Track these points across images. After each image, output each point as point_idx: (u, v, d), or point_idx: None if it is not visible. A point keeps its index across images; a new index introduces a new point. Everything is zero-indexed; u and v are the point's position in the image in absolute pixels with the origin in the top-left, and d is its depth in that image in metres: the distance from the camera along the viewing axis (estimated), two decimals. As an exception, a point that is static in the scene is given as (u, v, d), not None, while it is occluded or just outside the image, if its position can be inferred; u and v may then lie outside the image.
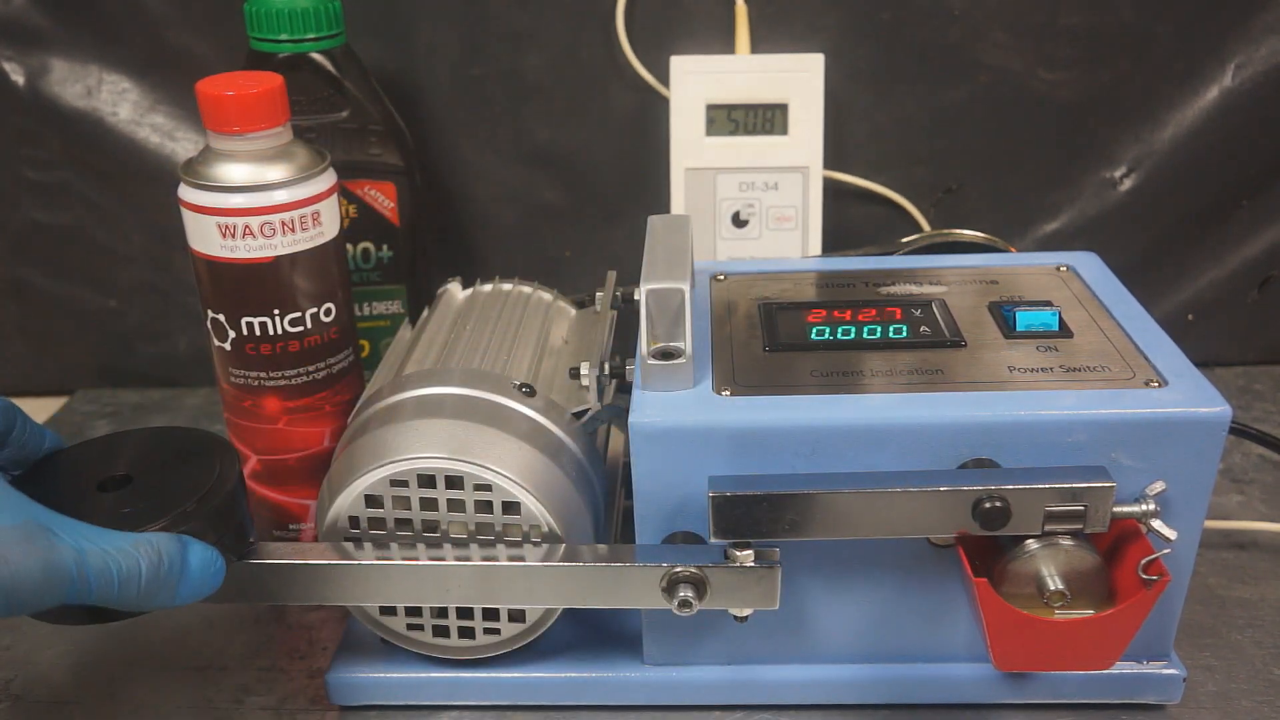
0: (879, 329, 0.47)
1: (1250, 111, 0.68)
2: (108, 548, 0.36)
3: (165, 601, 0.38)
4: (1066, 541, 0.40)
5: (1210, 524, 0.54)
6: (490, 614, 0.45)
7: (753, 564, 0.41)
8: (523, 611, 0.45)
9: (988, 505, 0.39)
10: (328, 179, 0.50)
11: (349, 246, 0.62)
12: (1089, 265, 0.53)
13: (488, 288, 0.57)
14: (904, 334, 0.47)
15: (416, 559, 0.42)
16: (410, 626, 0.46)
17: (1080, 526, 0.39)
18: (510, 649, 0.46)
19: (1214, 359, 0.75)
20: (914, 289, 0.51)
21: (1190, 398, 0.41)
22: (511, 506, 0.43)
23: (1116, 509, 0.40)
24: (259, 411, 0.52)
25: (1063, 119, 0.69)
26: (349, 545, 0.44)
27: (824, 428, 0.41)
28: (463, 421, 0.44)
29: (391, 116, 0.62)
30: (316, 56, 0.59)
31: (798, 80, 0.65)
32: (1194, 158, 0.69)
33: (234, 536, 0.42)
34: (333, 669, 0.48)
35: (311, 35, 0.57)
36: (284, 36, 0.57)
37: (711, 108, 0.65)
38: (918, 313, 0.48)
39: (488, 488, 0.43)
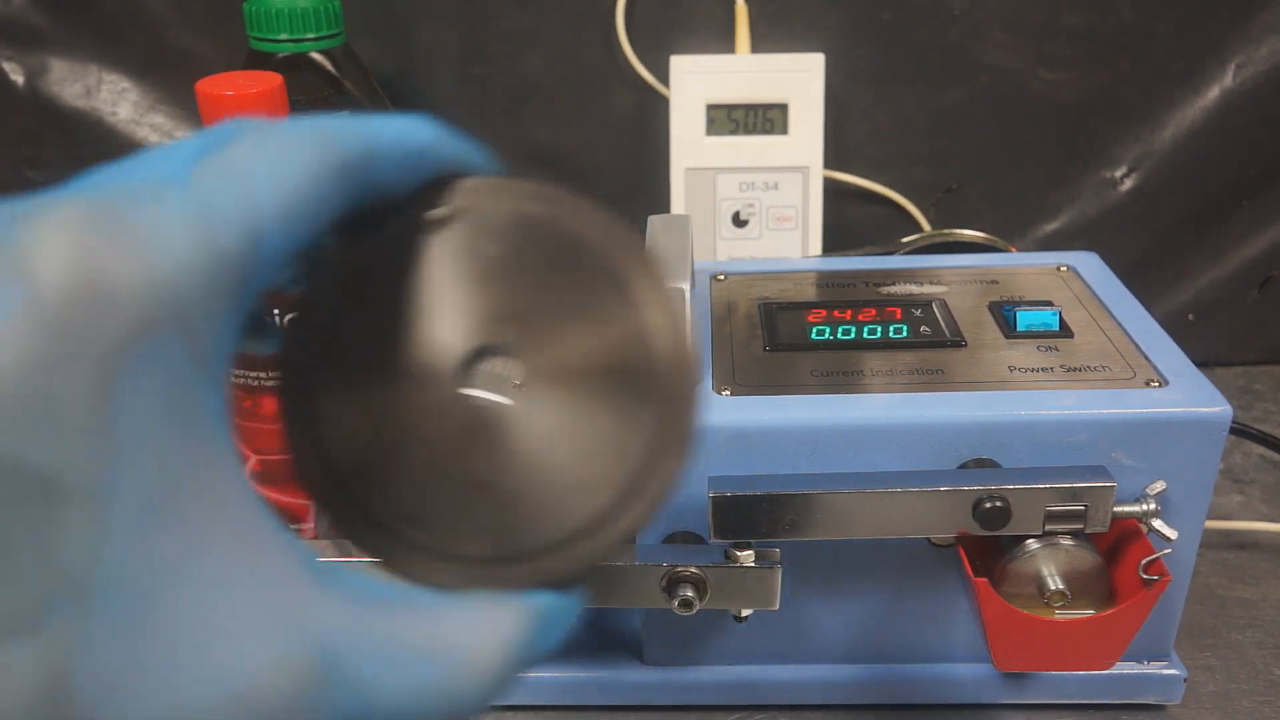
0: (879, 329, 0.47)
1: (1250, 111, 0.68)
2: (440, 701, 0.20)
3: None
4: (1067, 541, 0.40)
5: (1211, 524, 0.54)
6: (490, 614, 0.45)
7: (753, 564, 0.41)
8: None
9: (988, 505, 0.39)
10: (328, 179, 0.50)
11: (349, 246, 0.62)
12: (1089, 265, 0.53)
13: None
14: (904, 334, 0.47)
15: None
16: (410, 626, 0.46)
17: (1081, 526, 0.39)
18: (510, 649, 0.46)
19: (1214, 359, 0.75)
20: (914, 289, 0.51)
21: (1191, 397, 0.41)
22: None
23: (1117, 509, 0.40)
24: (259, 411, 0.52)
25: (1063, 119, 0.69)
26: (348, 543, 0.43)
27: (824, 428, 0.41)
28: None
29: (391, 116, 0.62)
30: (316, 56, 0.59)
31: (798, 80, 0.65)
32: (1194, 158, 0.69)
33: None
34: (333, 669, 0.48)
35: (311, 35, 0.57)
36: (284, 36, 0.57)
37: (711, 107, 0.65)
38: (918, 313, 0.48)
39: (488, 487, 0.42)
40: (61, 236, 0.17)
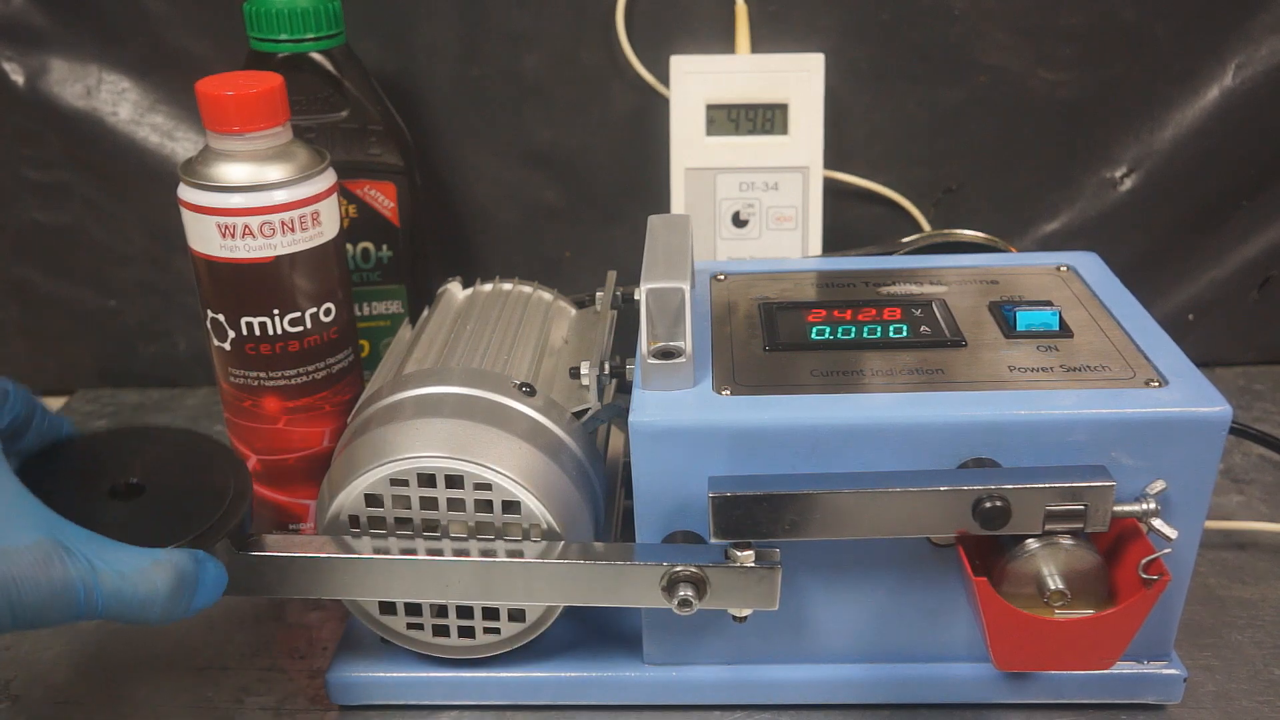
0: (879, 329, 0.47)
1: (1250, 111, 0.68)
2: (125, 570, 0.36)
3: (176, 617, 0.38)
4: (1067, 541, 0.40)
5: (1210, 524, 0.54)
6: (490, 613, 0.45)
7: (753, 564, 0.41)
8: (523, 611, 0.45)
9: (988, 505, 0.39)
10: (327, 179, 0.50)
11: (349, 246, 0.62)
12: (1089, 265, 0.53)
13: (488, 287, 0.57)
14: (904, 334, 0.47)
15: (414, 553, 0.42)
16: (410, 625, 0.46)
17: (1080, 526, 0.39)
18: (510, 648, 0.46)
19: (1214, 359, 0.75)
20: (914, 289, 0.51)
21: (1191, 397, 0.41)
22: (511, 505, 0.43)
23: (1117, 508, 0.40)
24: (259, 411, 0.52)
25: (1063, 119, 0.69)
26: (348, 539, 0.44)
27: (824, 427, 0.41)
28: (463, 421, 0.44)
29: (391, 116, 0.62)
30: (316, 56, 0.59)
31: (798, 80, 0.65)
32: (1194, 158, 0.69)
33: (238, 539, 0.43)
34: (333, 669, 0.48)
35: (311, 35, 0.57)
36: (284, 36, 0.57)
37: (711, 108, 0.65)
38: (918, 312, 0.48)
39: (488, 487, 0.43)
40: None
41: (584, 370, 0.47)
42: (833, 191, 0.70)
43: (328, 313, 0.51)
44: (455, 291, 0.58)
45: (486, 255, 0.75)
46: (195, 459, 0.45)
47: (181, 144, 0.70)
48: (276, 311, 0.50)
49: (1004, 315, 0.48)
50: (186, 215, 0.49)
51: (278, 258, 0.49)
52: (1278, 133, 0.68)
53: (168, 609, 0.38)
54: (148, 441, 0.46)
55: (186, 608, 0.39)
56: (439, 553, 0.43)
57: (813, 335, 0.47)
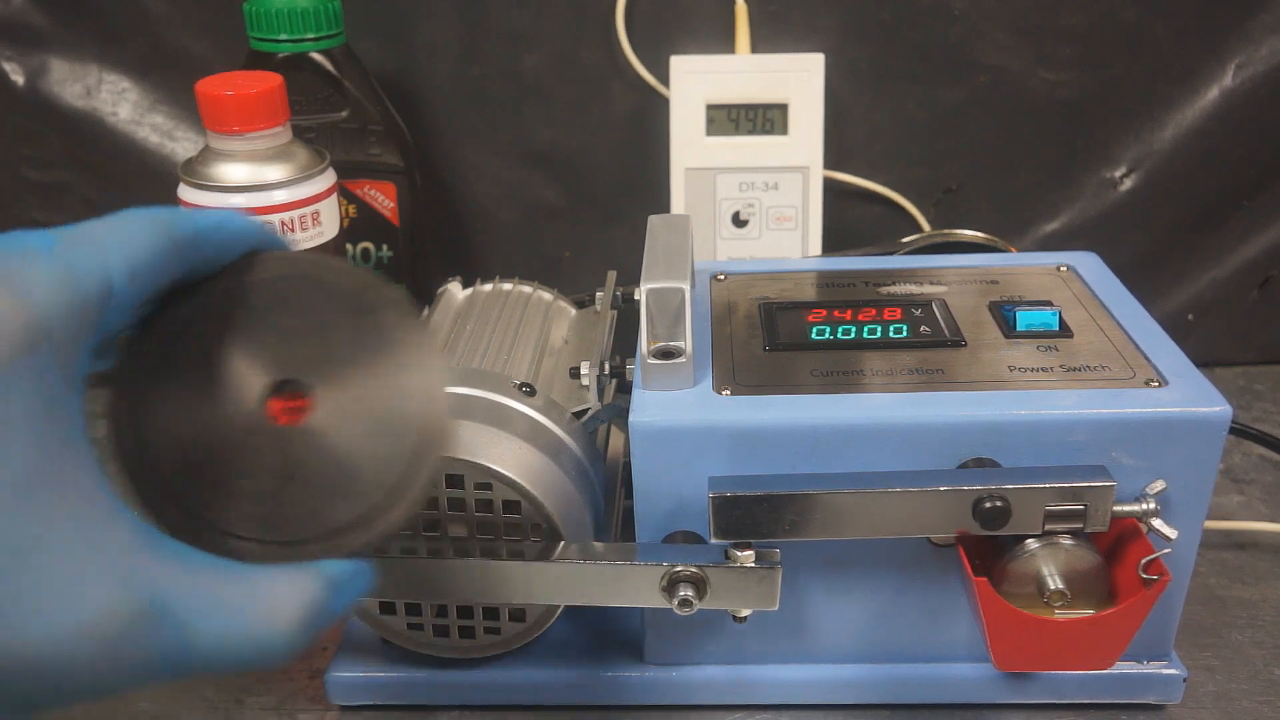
0: (879, 329, 0.47)
1: (1250, 111, 0.68)
2: (231, 631, 0.26)
3: (291, 660, 0.29)
4: (1067, 541, 0.40)
5: (1210, 524, 0.54)
6: (490, 613, 0.45)
7: (753, 564, 0.41)
8: (523, 611, 0.45)
9: (988, 505, 0.39)
10: (327, 179, 0.50)
11: (349, 246, 0.62)
12: (1089, 265, 0.53)
13: (488, 287, 0.57)
14: (904, 334, 0.47)
15: (415, 554, 0.42)
16: (410, 626, 0.46)
17: (1080, 526, 0.39)
18: (510, 648, 0.46)
19: (1214, 359, 0.75)
20: (914, 289, 0.51)
21: (1191, 397, 0.41)
22: (512, 505, 0.43)
23: (1117, 508, 0.40)
24: (259, 411, 0.52)
25: (1063, 119, 0.69)
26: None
27: (824, 427, 0.41)
28: (463, 420, 0.44)
29: (391, 116, 0.62)
30: (316, 56, 0.59)
31: (798, 80, 0.65)
32: (1194, 158, 0.69)
33: None
34: (332, 669, 0.48)
35: (311, 35, 0.58)
36: (284, 36, 0.57)
37: (711, 108, 0.65)
38: (918, 312, 0.48)
39: (488, 486, 0.43)
40: None
41: (584, 370, 0.47)
42: (833, 191, 0.70)
43: (328, 313, 0.51)
44: (455, 291, 0.58)
45: (486, 255, 0.75)
46: (387, 355, 0.30)
47: (181, 144, 0.70)
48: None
49: (1004, 315, 0.48)
50: (186, 215, 0.49)
51: (278, 258, 0.49)
52: (1278, 133, 0.68)
53: (282, 661, 0.27)
54: (329, 301, 0.30)
55: (307, 646, 0.27)
56: (439, 553, 0.43)
57: (813, 335, 0.47)
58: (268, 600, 0.26)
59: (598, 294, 0.55)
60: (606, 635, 0.49)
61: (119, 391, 0.29)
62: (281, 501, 0.29)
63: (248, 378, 0.29)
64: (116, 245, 0.27)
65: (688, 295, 0.42)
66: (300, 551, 0.28)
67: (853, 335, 0.47)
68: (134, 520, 0.25)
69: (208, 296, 0.30)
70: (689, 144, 0.66)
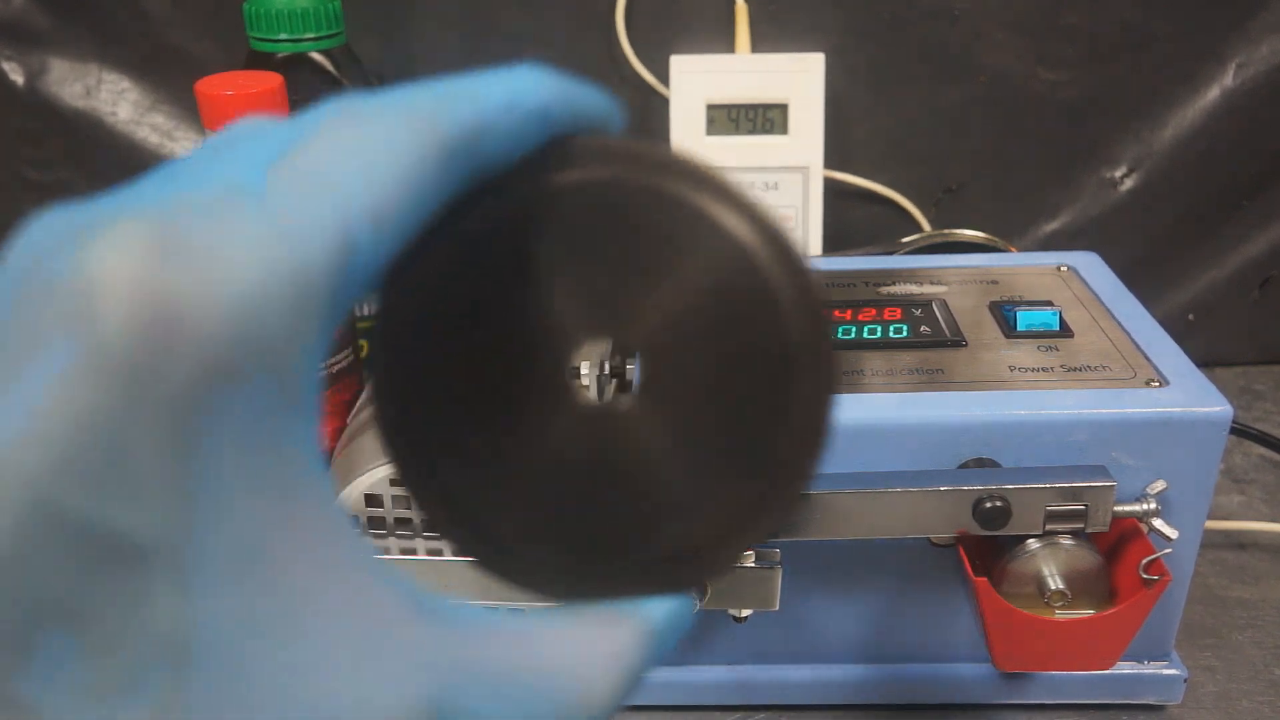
0: (879, 329, 0.47)
1: (1250, 111, 0.68)
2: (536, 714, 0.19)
3: None
4: (1067, 541, 0.40)
5: (1211, 524, 0.54)
6: (490, 614, 0.45)
7: (753, 564, 0.41)
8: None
9: (988, 505, 0.39)
10: (328, 179, 0.50)
11: (349, 246, 0.62)
12: (1089, 265, 0.53)
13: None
14: (904, 334, 0.47)
15: (415, 553, 0.42)
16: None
17: (1081, 526, 0.39)
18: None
19: (1214, 359, 0.75)
20: (914, 289, 0.51)
21: (1191, 397, 0.41)
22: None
23: (1117, 508, 0.40)
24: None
25: (1063, 119, 0.69)
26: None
27: (824, 427, 0.41)
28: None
29: (391, 116, 0.62)
30: (316, 56, 0.59)
31: (798, 80, 0.65)
32: (1194, 158, 0.69)
33: None
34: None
35: (311, 35, 0.57)
36: (284, 36, 0.57)
37: (711, 107, 0.65)
38: (918, 312, 0.48)
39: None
40: (124, 265, 0.15)
41: (584, 370, 0.47)
42: (833, 191, 0.70)
43: (328, 313, 0.51)
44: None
45: (486, 255, 0.75)
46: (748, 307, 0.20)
47: (181, 144, 0.70)
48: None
49: (1004, 315, 0.47)
50: (186, 215, 0.49)
51: (278, 258, 0.49)
52: (1278, 133, 0.68)
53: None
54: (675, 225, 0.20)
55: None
56: (439, 553, 0.43)
57: (813, 335, 0.47)
58: (577, 667, 0.19)
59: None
60: (606, 635, 0.49)
61: (387, 408, 0.20)
62: (598, 514, 0.21)
63: (559, 347, 0.20)
64: (357, 178, 0.17)
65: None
66: (620, 586, 0.20)
67: (853, 335, 0.47)
68: (395, 578, 0.18)
69: (494, 223, 0.20)
70: (689, 144, 0.66)
